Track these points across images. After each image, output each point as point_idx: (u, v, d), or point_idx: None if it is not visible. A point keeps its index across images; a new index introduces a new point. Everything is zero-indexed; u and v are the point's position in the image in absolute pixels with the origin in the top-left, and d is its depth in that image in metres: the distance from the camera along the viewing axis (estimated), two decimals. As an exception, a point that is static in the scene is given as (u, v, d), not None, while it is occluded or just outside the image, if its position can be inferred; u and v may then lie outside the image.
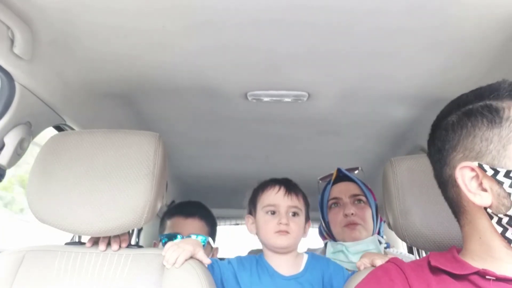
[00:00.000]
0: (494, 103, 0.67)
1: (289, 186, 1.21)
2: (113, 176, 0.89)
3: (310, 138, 1.65)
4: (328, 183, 1.46)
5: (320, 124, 1.51)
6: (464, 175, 0.66)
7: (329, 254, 1.36)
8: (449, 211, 0.78)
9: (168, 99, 1.34)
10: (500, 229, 0.64)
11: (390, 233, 2.05)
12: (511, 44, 0.96)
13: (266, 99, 1.29)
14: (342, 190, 1.40)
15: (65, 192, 0.88)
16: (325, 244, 1.44)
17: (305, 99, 1.28)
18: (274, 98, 1.28)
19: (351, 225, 1.32)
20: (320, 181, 1.58)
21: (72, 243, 0.99)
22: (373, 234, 1.34)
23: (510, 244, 0.63)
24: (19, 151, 1.03)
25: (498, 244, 0.65)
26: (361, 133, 1.59)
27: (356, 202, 1.37)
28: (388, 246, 1.42)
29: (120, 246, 0.96)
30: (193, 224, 1.46)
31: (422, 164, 0.90)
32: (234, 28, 0.94)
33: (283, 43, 1.00)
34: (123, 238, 0.97)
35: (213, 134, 1.64)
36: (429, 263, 0.71)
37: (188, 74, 1.17)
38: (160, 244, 1.47)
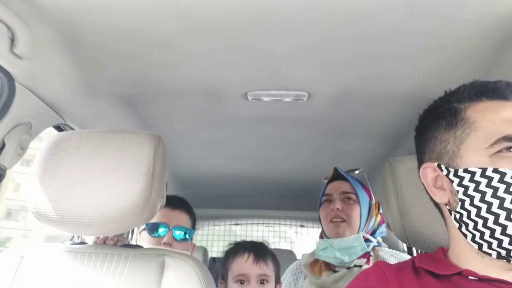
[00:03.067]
0: (455, 105, 0.70)
1: (257, 253, 1.27)
2: (113, 176, 0.89)
3: (310, 138, 1.65)
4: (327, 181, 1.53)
5: (320, 124, 1.51)
6: (427, 175, 0.71)
7: (318, 251, 1.41)
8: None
9: (168, 99, 1.34)
10: (457, 225, 0.68)
11: (390, 234, 2.06)
12: (510, 44, 0.96)
13: (266, 99, 1.29)
14: (334, 187, 1.47)
15: (65, 192, 0.88)
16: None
17: (305, 99, 1.28)
18: (274, 98, 1.29)
19: (336, 221, 1.39)
20: (324, 180, 1.64)
21: (72, 243, 0.99)
22: (358, 231, 1.39)
23: (466, 238, 0.66)
24: (19, 151, 1.03)
25: (461, 240, 0.68)
26: (361, 133, 1.60)
27: (345, 199, 1.43)
28: (379, 245, 1.46)
29: (115, 244, 0.97)
30: (180, 216, 1.45)
31: (422, 165, 0.90)
32: (234, 28, 0.94)
33: (283, 43, 1.00)
34: (120, 238, 0.98)
35: (213, 134, 1.64)
36: (413, 264, 0.72)
37: (188, 74, 1.17)
38: (144, 232, 1.42)
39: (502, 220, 0.60)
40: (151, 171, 0.90)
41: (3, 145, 0.99)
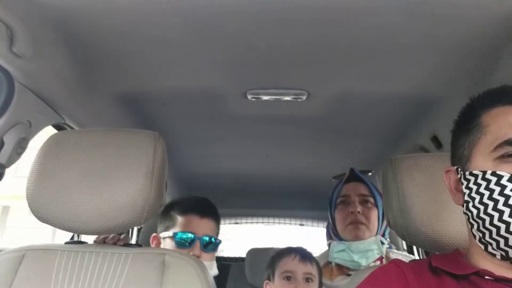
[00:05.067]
0: (476, 111, 0.71)
1: (304, 253, 1.33)
2: (113, 175, 0.89)
3: (310, 137, 1.65)
4: (340, 181, 1.49)
5: (320, 123, 1.51)
6: (450, 178, 0.73)
7: (332, 253, 1.38)
8: (449, 210, 0.80)
9: (167, 98, 1.34)
10: (469, 226, 0.69)
11: (390, 232, 2.05)
12: (510, 43, 0.95)
13: (265, 97, 1.29)
14: (352, 189, 1.43)
15: (65, 191, 0.88)
16: (329, 245, 1.45)
17: (304, 97, 1.28)
18: (273, 97, 1.28)
19: (356, 223, 1.35)
20: (333, 180, 1.60)
21: (72, 242, 0.99)
22: (376, 234, 1.36)
23: (475, 239, 0.68)
24: (19, 150, 1.03)
25: (474, 241, 0.69)
26: (360, 132, 1.59)
27: (363, 202, 1.39)
28: (390, 247, 1.44)
29: (115, 244, 0.97)
30: (208, 224, 1.39)
31: (422, 163, 0.90)
32: (233, 27, 0.94)
33: (282, 42, 1.00)
34: (122, 237, 0.98)
35: (213, 133, 1.64)
36: (430, 263, 0.73)
37: (187, 73, 1.17)
38: (168, 240, 1.35)
39: (496, 221, 0.62)
40: (151, 170, 0.90)
41: (2, 143, 0.99)
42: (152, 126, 1.52)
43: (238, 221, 2.76)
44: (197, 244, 1.33)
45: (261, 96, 1.28)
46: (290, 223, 2.78)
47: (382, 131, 1.57)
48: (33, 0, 0.86)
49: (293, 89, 1.25)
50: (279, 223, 2.80)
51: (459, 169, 0.71)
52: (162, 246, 1.35)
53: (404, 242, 2.09)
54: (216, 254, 1.52)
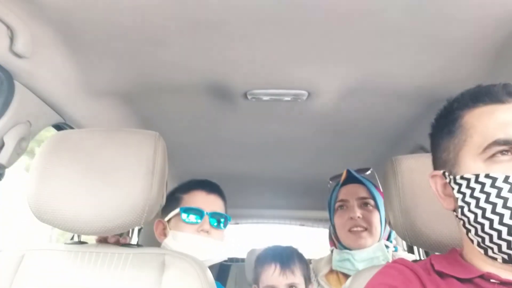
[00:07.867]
0: (457, 112, 0.70)
1: (283, 263, 1.30)
2: (113, 176, 0.89)
3: (310, 137, 1.65)
4: (337, 184, 1.43)
5: (320, 123, 1.51)
6: (436, 182, 0.72)
7: (335, 262, 1.34)
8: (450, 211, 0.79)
9: (167, 98, 1.34)
10: (464, 231, 0.67)
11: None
12: (511, 43, 0.95)
13: (265, 98, 1.28)
14: (350, 192, 1.37)
15: (65, 192, 0.88)
16: (332, 251, 1.41)
17: (304, 98, 1.28)
18: (273, 97, 1.28)
19: (356, 230, 1.30)
20: (330, 182, 1.55)
21: (72, 242, 0.99)
22: (380, 239, 1.31)
23: (473, 243, 0.66)
24: (19, 150, 1.03)
25: (471, 245, 0.67)
26: (361, 132, 1.59)
27: (363, 205, 1.34)
28: (396, 249, 1.38)
29: (116, 242, 0.97)
30: (216, 201, 1.32)
31: (423, 163, 0.90)
32: (233, 27, 0.94)
33: (282, 42, 1.00)
34: (122, 238, 0.98)
35: (213, 133, 1.64)
36: (432, 266, 0.71)
37: (188, 73, 1.17)
38: (175, 219, 1.27)
39: (496, 225, 0.60)
40: (151, 170, 0.90)
41: (3, 144, 0.99)
42: (152, 126, 1.52)
43: (238, 221, 2.76)
44: (206, 219, 1.25)
45: (261, 96, 1.28)
46: (291, 223, 2.78)
47: (382, 131, 1.57)
48: (33, 0, 0.86)
49: (293, 89, 1.25)
50: (279, 223, 2.80)
51: (446, 173, 0.69)
52: (167, 230, 1.27)
53: (404, 242, 2.09)
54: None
